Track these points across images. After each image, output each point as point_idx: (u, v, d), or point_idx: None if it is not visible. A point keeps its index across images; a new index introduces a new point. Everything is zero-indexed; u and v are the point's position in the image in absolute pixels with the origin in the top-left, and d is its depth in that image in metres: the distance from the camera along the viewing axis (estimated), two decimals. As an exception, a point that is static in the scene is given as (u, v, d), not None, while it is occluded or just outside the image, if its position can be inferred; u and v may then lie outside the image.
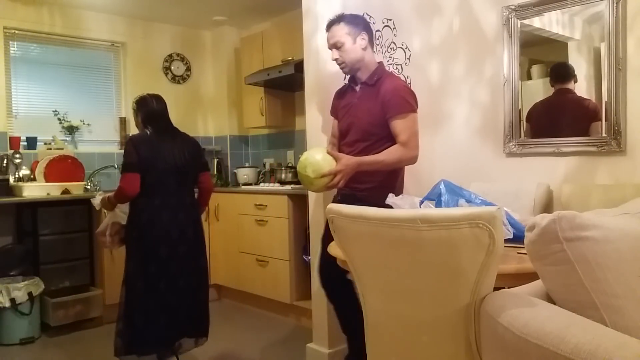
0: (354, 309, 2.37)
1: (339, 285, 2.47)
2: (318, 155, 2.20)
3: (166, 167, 2.68)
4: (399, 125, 2.30)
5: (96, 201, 2.91)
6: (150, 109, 2.79)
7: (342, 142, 2.51)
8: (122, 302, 2.69)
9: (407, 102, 2.32)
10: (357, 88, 2.46)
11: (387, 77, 2.43)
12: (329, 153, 2.23)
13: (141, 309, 2.63)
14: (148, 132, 2.75)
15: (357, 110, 2.44)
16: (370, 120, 2.37)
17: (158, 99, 2.84)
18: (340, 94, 2.60)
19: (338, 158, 2.21)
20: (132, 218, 2.72)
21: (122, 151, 4.51)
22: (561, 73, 2.75)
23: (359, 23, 2.42)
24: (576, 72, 2.75)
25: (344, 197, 2.45)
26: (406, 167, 3.25)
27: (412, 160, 2.36)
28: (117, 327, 2.71)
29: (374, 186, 2.36)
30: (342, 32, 2.37)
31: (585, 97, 2.71)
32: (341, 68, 2.46)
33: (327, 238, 2.44)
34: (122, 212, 2.84)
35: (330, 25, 2.43)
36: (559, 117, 2.78)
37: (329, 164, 2.18)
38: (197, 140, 2.93)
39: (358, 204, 2.22)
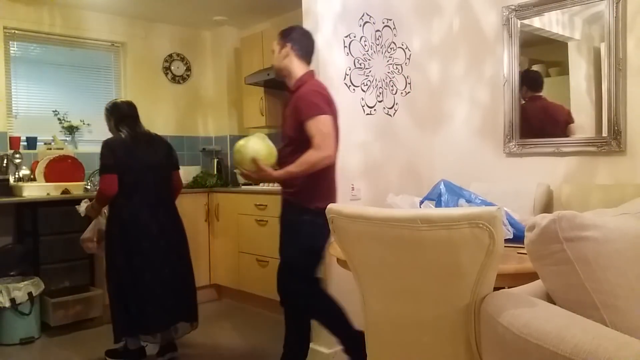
0: (299, 328, 2.60)
1: (290, 298, 2.62)
2: (249, 154, 2.38)
3: (142, 166, 2.83)
4: (310, 128, 2.37)
5: (81, 208, 3.00)
6: (123, 113, 2.92)
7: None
8: (111, 293, 2.87)
9: (315, 104, 2.38)
10: (289, 96, 2.59)
11: (306, 83, 2.50)
12: (255, 162, 2.37)
13: (133, 298, 2.80)
14: (122, 135, 2.84)
15: (285, 118, 2.58)
16: (292, 125, 2.47)
17: (129, 104, 2.99)
18: (284, 104, 2.74)
19: (260, 170, 2.38)
20: (113, 216, 2.85)
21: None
22: (536, 83, 2.97)
23: (287, 35, 2.55)
24: (576, 72, 2.76)
25: (283, 201, 2.61)
26: (405, 167, 3.26)
27: (327, 159, 2.39)
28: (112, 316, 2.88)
29: (298, 190, 2.46)
30: (275, 42, 2.58)
31: (558, 102, 2.84)
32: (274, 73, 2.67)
33: (282, 248, 2.64)
34: (104, 219, 2.96)
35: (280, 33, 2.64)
36: (538, 122, 2.95)
37: (250, 167, 2.40)
38: (168, 141, 3.10)
39: (288, 206, 2.53)
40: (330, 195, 2.54)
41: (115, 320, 2.84)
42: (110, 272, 2.87)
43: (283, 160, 2.48)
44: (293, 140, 2.47)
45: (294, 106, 2.45)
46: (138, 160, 2.82)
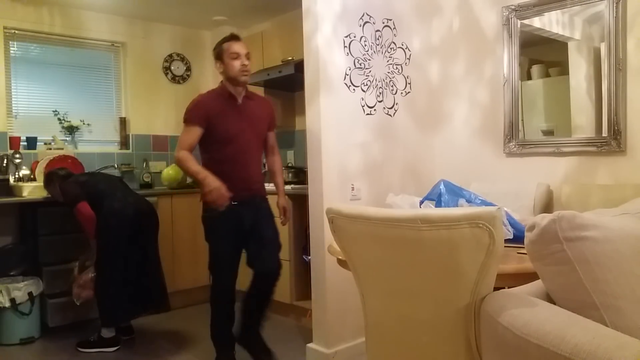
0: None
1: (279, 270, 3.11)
2: None
3: (101, 178, 3.38)
4: (273, 137, 2.99)
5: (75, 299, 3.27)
6: (61, 174, 3.32)
7: (228, 147, 2.71)
8: (107, 283, 3.16)
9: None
10: (240, 99, 2.77)
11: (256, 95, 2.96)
12: None
13: (123, 281, 3.16)
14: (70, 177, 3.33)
15: (252, 119, 2.80)
16: (265, 127, 2.88)
17: (67, 172, 3.41)
18: (214, 102, 2.72)
19: None
20: (100, 216, 3.17)
21: (123, 151, 4.53)
22: None
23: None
24: (576, 72, 2.75)
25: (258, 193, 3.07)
26: (405, 167, 3.26)
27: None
28: (106, 302, 3.17)
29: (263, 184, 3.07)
30: (247, 52, 2.75)
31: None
32: (246, 76, 2.73)
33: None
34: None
35: (239, 37, 2.78)
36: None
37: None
38: None
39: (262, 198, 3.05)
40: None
41: (112, 306, 3.14)
42: (106, 262, 3.14)
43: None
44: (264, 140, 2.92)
45: (270, 115, 2.93)
46: (95, 176, 3.40)
